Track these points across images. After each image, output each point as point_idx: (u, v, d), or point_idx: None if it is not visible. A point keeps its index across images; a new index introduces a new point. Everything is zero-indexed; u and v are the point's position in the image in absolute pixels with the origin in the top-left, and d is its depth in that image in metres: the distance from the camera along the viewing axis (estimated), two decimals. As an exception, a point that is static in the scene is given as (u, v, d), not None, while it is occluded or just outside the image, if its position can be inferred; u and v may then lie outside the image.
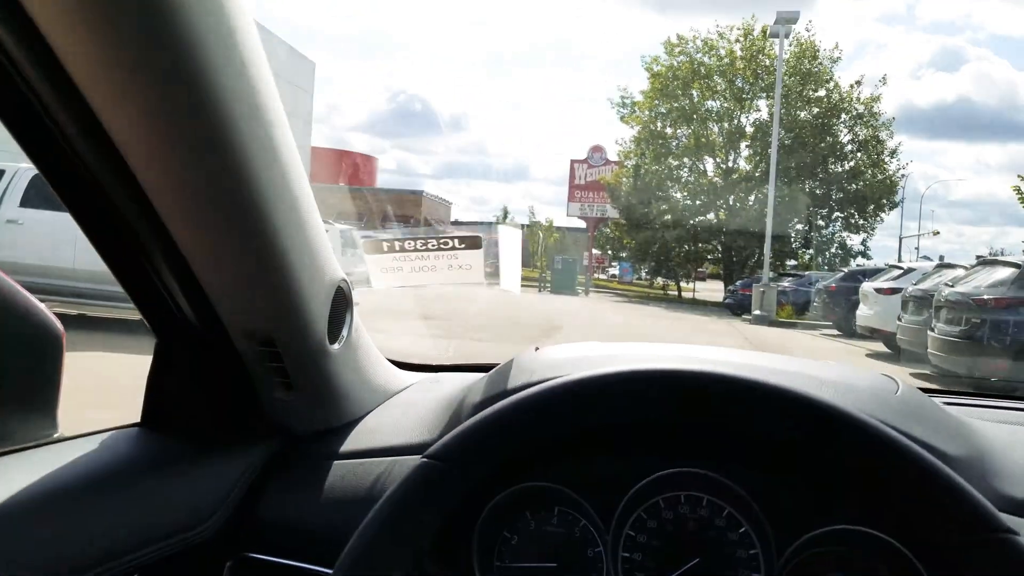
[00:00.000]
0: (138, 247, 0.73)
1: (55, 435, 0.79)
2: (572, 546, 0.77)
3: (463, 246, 0.83)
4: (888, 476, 0.55)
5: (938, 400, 0.96)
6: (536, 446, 0.70)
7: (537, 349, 0.93)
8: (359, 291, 0.89)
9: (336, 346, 0.86)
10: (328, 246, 0.81)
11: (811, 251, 24.83)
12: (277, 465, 0.87)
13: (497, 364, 0.92)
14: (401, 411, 0.96)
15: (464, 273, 0.85)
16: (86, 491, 0.71)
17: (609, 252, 32.07)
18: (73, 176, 0.66)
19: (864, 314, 10.19)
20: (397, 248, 0.82)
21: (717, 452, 0.74)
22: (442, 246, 0.83)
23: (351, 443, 0.89)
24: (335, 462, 0.86)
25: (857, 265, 20.96)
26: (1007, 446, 0.79)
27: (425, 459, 0.59)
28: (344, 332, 0.88)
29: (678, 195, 24.99)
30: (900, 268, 11.09)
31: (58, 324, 0.81)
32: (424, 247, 0.83)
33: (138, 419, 0.88)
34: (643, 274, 27.48)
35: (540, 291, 21.12)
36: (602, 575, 0.75)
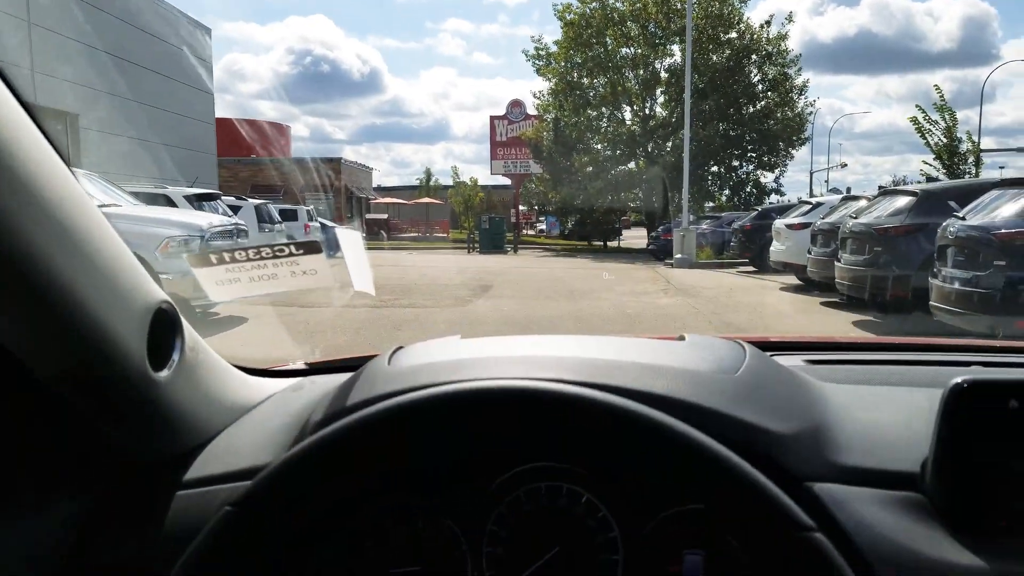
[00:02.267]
0: None
1: None
2: (436, 550, 0.76)
3: (301, 252, 0.80)
4: (694, 476, 0.57)
5: (801, 360, 0.99)
6: (365, 479, 0.68)
7: (399, 349, 0.88)
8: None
9: (164, 373, 0.78)
10: (137, 269, 0.74)
11: (727, 192, 25.65)
12: (109, 505, 0.79)
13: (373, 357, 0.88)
14: (253, 428, 0.89)
15: (310, 278, 0.82)
16: None
17: (535, 207, 32.22)
18: None
19: (777, 249, 10.67)
20: (228, 260, 0.78)
21: (565, 441, 0.72)
22: (278, 254, 0.80)
23: (197, 470, 0.81)
24: (178, 492, 0.79)
25: (770, 203, 21.83)
26: (849, 410, 0.80)
27: (228, 507, 0.58)
28: (174, 356, 0.80)
29: (598, 146, 25.23)
30: (809, 203, 11.61)
31: None
32: (258, 256, 0.79)
33: None
34: (570, 226, 27.73)
35: (469, 252, 21.10)
36: (468, 573, 0.74)
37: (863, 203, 8.39)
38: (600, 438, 0.59)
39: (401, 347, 0.89)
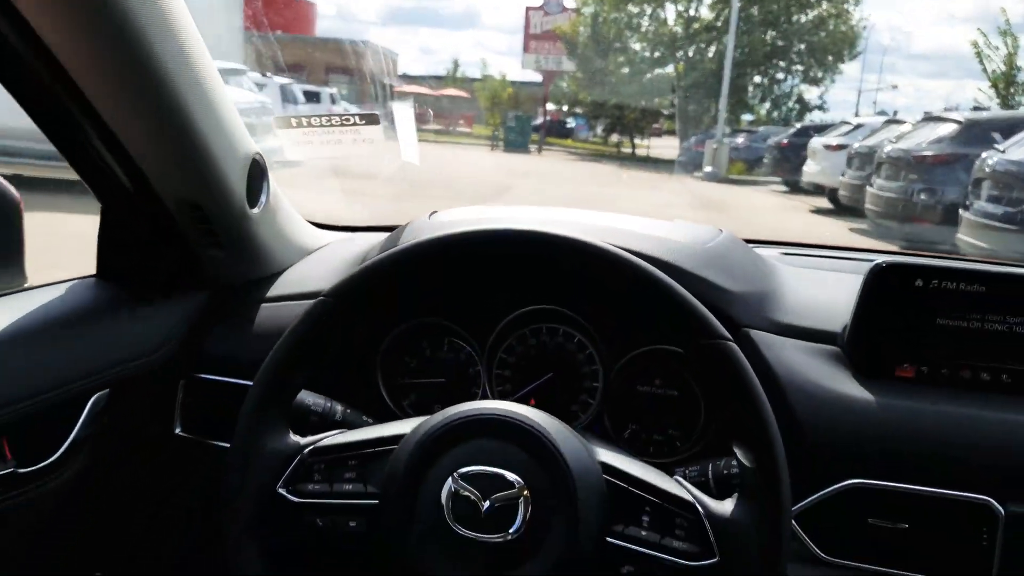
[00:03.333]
0: (72, 121, 0.80)
1: (24, 285, 0.91)
2: (458, 367, 0.97)
3: (364, 122, 0.93)
4: (640, 299, 0.68)
5: (777, 251, 1.18)
6: (414, 290, 0.86)
7: (435, 212, 1.08)
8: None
9: (256, 210, 0.99)
10: (240, 125, 0.91)
11: (767, 105, 24.74)
12: (213, 310, 1.02)
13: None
14: (317, 264, 1.11)
15: (368, 146, 0.95)
16: (52, 326, 0.84)
17: (565, 108, 31.36)
18: (3, 58, 0.73)
19: (810, 170, 10.42)
20: (305, 124, 0.90)
21: (567, 292, 0.94)
22: (344, 122, 0.93)
23: (275, 290, 1.04)
24: (262, 305, 1.02)
25: (811, 121, 21.07)
26: (797, 286, 0.98)
27: (321, 298, 0.71)
28: (263, 198, 1.00)
29: (636, 46, 24.21)
30: (850, 124, 11.20)
31: (14, 192, 0.88)
32: (329, 123, 0.91)
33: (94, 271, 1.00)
34: (599, 131, 27.12)
35: (492, 149, 20.84)
36: (480, 387, 0.96)
37: (906, 127, 8.13)
38: (594, 278, 0.71)
39: (436, 211, 1.09)
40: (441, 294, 0.97)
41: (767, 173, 14.36)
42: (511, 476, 0.62)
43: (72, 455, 0.83)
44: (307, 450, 0.70)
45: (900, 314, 0.83)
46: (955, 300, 0.82)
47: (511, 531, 0.60)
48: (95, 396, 0.85)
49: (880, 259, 0.83)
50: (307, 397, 0.83)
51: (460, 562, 0.61)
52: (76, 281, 0.96)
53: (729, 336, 0.65)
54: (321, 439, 0.71)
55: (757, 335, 0.87)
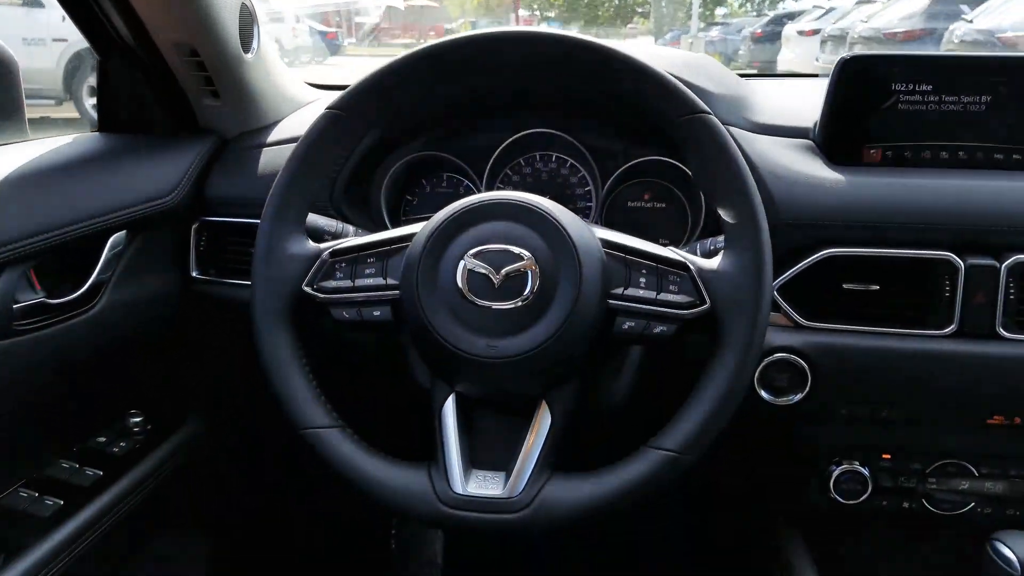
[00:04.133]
0: None
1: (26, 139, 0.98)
2: (457, 199, 1.05)
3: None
4: (625, 88, 0.71)
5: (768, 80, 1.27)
6: (416, 109, 0.94)
7: None
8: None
9: (249, 55, 1.05)
10: None
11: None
12: (215, 157, 1.07)
13: None
14: (314, 113, 1.17)
15: None
16: (63, 170, 0.90)
17: (537, 12, 30.24)
18: None
19: (785, 57, 10.26)
20: None
21: (557, 116, 1.01)
22: None
23: (273, 137, 1.09)
24: (263, 149, 1.07)
25: (783, 8, 20.50)
26: (770, 95, 1.07)
27: (326, 110, 0.75)
28: (254, 44, 1.07)
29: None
30: (822, 8, 10.99)
31: (9, 51, 0.97)
32: None
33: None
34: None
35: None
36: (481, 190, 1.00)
37: (877, 6, 8.03)
38: (584, 74, 0.73)
39: None
40: (436, 128, 1.04)
41: (744, 65, 14.11)
42: (519, 250, 0.68)
43: (96, 291, 0.90)
44: (327, 251, 0.74)
45: (866, 102, 0.90)
46: (915, 86, 0.89)
47: (522, 297, 0.67)
48: (113, 236, 0.91)
49: (847, 54, 0.90)
50: (319, 220, 0.87)
51: (477, 326, 0.67)
52: (79, 136, 1.00)
53: (708, 110, 0.70)
54: (340, 242, 0.75)
55: (735, 131, 0.94)
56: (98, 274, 0.90)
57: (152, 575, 1.14)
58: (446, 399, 0.72)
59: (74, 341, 0.87)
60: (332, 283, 0.74)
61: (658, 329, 0.68)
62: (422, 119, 1.04)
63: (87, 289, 0.88)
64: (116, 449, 1.06)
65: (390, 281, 0.72)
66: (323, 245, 0.76)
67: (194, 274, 1.04)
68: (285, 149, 1.04)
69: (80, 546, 0.93)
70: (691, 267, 0.69)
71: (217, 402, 1.22)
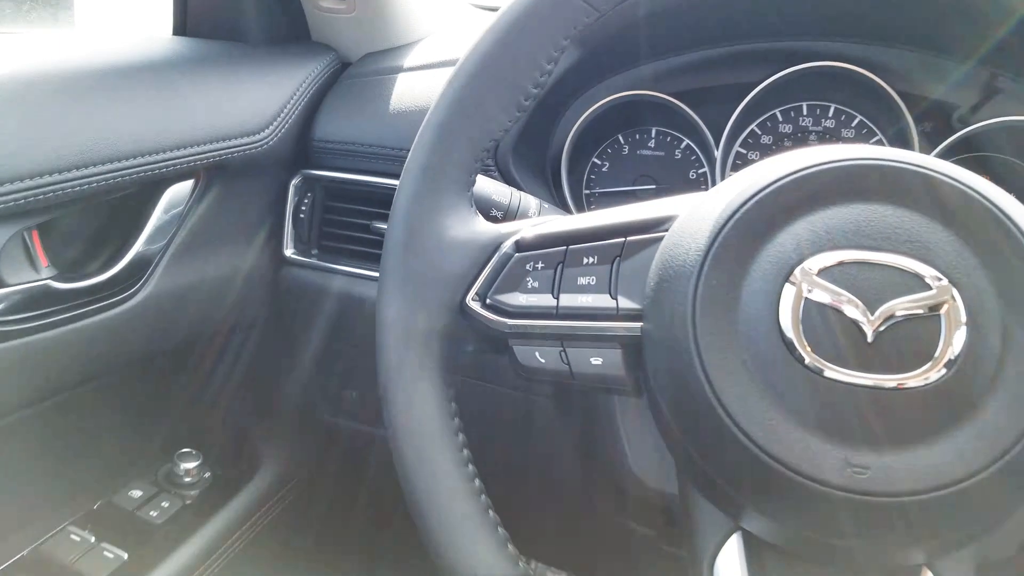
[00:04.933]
0: None
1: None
2: (671, 168, 0.72)
3: None
4: None
5: None
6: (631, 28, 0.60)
7: None
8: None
9: None
10: None
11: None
12: (329, 85, 0.77)
13: None
14: (471, 32, 0.83)
15: None
16: (100, 80, 0.59)
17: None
18: None
19: None
20: None
21: (851, 45, 0.66)
22: None
23: (411, 61, 0.77)
24: (398, 76, 0.75)
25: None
26: None
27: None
28: None
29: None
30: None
31: None
32: None
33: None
34: None
35: None
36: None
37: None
38: None
39: None
40: (646, 59, 0.69)
41: None
42: (925, 270, 0.34)
43: (139, 270, 0.62)
44: (510, 240, 0.43)
45: None
46: None
47: (935, 364, 0.32)
48: (172, 188, 0.63)
49: None
50: (486, 185, 0.56)
51: (828, 423, 0.33)
52: (140, 37, 0.70)
53: None
54: (533, 223, 0.45)
55: None
56: (144, 244, 0.60)
57: None
58: (722, 541, 0.38)
59: (99, 349, 0.60)
60: (523, 298, 0.42)
61: None
62: (634, 43, 0.69)
63: (124, 267, 0.59)
64: (154, 514, 0.76)
65: (625, 304, 0.39)
66: (505, 228, 0.44)
67: (288, 252, 0.75)
68: (432, 76, 0.73)
69: None
70: None
71: (304, 444, 0.92)
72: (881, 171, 0.34)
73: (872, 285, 0.33)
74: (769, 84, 0.66)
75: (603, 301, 0.40)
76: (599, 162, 0.75)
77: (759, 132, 0.71)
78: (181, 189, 0.63)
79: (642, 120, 0.73)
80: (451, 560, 0.39)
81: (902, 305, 0.33)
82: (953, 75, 0.65)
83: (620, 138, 0.74)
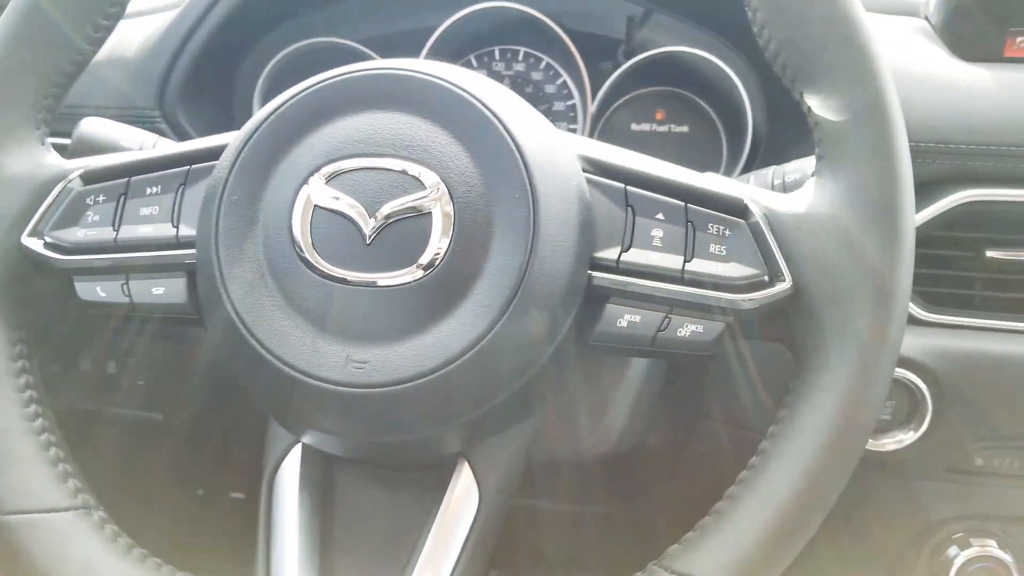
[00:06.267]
0: None
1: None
2: None
3: None
4: None
5: None
6: None
7: None
8: None
9: None
10: None
11: None
12: None
13: None
14: None
15: None
16: None
17: None
18: None
19: None
20: None
21: None
22: None
23: None
24: None
25: None
26: None
27: None
28: None
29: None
30: None
31: None
32: None
33: None
34: None
35: None
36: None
37: None
38: None
39: None
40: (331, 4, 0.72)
41: None
42: (418, 170, 0.36)
43: None
44: (76, 173, 0.43)
45: None
46: None
47: (420, 264, 0.35)
48: None
49: None
50: (118, 129, 0.54)
51: (331, 321, 0.35)
52: None
53: None
54: (99, 159, 0.45)
55: None
56: None
57: None
58: (283, 456, 0.40)
59: None
60: (81, 232, 0.42)
61: (687, 330, 0.36)
62: None
63: None
64: None
65: (185, 231, 0.40)
66: (71, 163, 0.44)
67: None
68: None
69: None
70: (754, 209, 0.36)
71: None
72: (388, 79, 0.38)
73: (375, 189, 0.36)
74: (446, 28, 0.69)
75: (165, 231, 0.41)
76: None
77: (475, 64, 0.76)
78: None
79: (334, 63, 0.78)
80: None
81: (394, 208, 0.35)
82: (604, 10, 0.72)
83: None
